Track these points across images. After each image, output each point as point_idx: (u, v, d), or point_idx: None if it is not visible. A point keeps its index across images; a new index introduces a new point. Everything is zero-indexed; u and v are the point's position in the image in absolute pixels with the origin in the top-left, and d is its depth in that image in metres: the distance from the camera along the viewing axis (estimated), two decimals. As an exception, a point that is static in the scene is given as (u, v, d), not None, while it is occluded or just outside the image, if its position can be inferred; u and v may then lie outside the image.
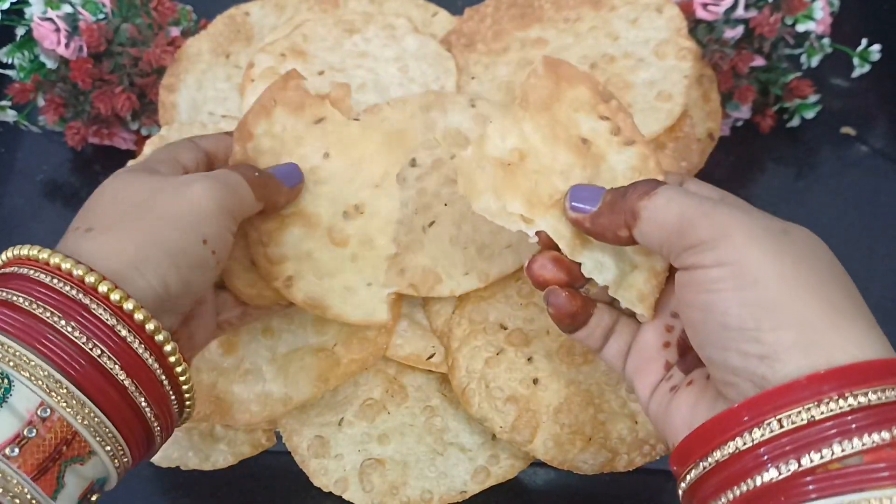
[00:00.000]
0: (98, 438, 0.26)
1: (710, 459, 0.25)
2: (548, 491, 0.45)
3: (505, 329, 0.42)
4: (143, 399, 0.28)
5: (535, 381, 0.41)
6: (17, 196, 0.56)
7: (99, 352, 0.26)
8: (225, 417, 0.41)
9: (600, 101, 0.34)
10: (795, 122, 0.54)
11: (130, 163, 0.47)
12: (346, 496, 0.41)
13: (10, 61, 0.51)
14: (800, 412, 0.23)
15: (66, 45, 0.48)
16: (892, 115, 0.56)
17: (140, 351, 0.27)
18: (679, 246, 0.27)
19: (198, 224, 0.30)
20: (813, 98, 0.53)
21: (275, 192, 0.35)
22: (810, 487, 0.22)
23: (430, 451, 0.42)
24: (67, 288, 0.27)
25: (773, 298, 0.24)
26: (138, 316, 0.27)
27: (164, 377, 0.29)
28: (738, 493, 0.24)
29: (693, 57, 0.45)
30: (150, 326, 0.28)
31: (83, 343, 0.26)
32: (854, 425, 0.22)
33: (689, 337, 0.28)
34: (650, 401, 0.31)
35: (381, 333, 0.42)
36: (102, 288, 0.27)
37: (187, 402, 0.31)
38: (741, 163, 0.54)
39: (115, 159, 0.55)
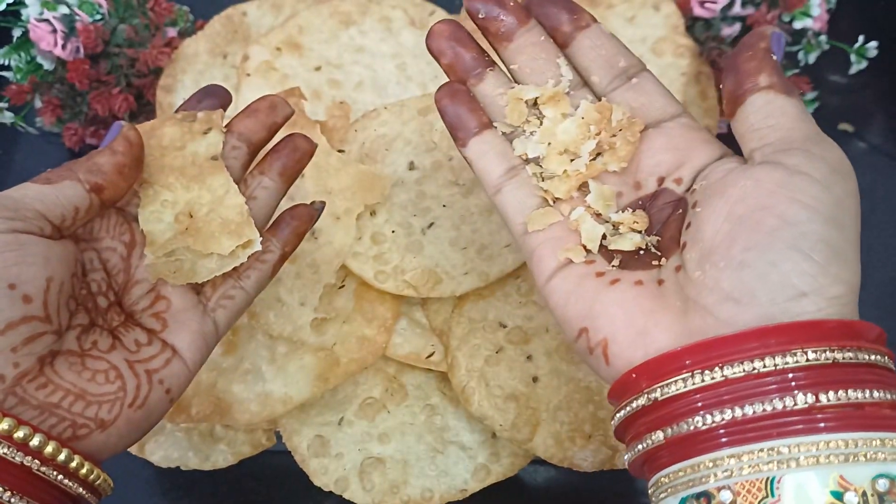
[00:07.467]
0: None
1: (660, 391, 0.24)
2: (548, 488, 0.45)
3: (504, 327, 0.42)
4: None
5: (535, 379, 0.41)
6: (15, 197, 0.55)
7: None
8: (225, 417, 0.41)
9: None
10: (793, 118, 0.54)
11: None
12: (346, 495, 0.41)
13: (6, 63, 0.51)
14: (763, 360, 0.23)
15: (63, 47, 0.48)
16: (890, 111, 0.56)
17: None
18: (794, 144, 0.25)
19: None
20: (810, 95, 0.53)
21: (91, 163, 0.30)
22: (724, 440, 0.23)
23: (431, 450, 0.42)
24: None
25: (844, 248, 0.24)
26: None
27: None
28: (672, 432, 0.24)
29: (690, 54, 0.45)
30: None
31: None
32: (794, 383, 0.22)
33: (721, 229, 0.25)
34: (558, 275, 0.28)
35: (380, 332, 0.42)
36: None
37: (81, 472, 0.26)
38: (739, 160, 0.54)
39: (112, 160, 0.55)
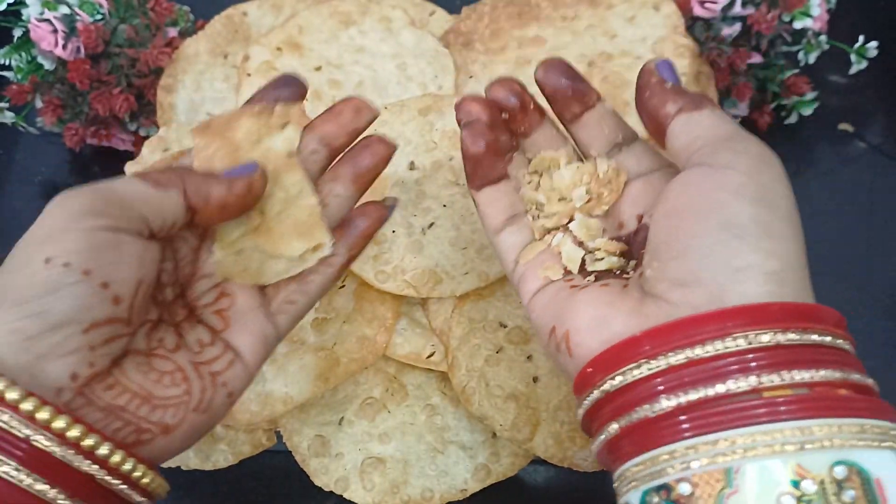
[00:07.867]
0: None
1: (609, 383, 0.25)
2: (548, 488, 0.45)
3: (504, 327, 0.42)
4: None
5: (535, 379, 0.41)
6: (16, 198, 0.55)
7: None
8: (225, 417, 0.41)
9: None
10: (793, 118, 0.54)
11: (127, 167, 0.47)
12: (346, 495, 0.41)
13: (7, 63, 0.51)
14: (704, 346, 0.23)
15: (64, 47, 0.48)
16: (890, 111, 0.56)
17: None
18: (718, 146, 0.27)
19: (40, 245, 0.25)
20: (810, 95, 0.53)
21: (203, 185, 0.29)
22: (685, 426, 0.23)
23: (431, 450, 0.42)
24: None
25: (776, 225, 0.25)
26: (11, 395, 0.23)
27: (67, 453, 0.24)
28: (624, 421, 0.24)
29: (690, 54, 0.45)
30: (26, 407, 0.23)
31: None
32: (753, 364, 0.23)
33: (662, 227, 0.26)
34: (540, 292, 0.30)
35: (380, 332, 0.42)
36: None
37: (135, 475, 0.26)
38: (739, 160, 0.54)
39: (113, 160, 0.55)
